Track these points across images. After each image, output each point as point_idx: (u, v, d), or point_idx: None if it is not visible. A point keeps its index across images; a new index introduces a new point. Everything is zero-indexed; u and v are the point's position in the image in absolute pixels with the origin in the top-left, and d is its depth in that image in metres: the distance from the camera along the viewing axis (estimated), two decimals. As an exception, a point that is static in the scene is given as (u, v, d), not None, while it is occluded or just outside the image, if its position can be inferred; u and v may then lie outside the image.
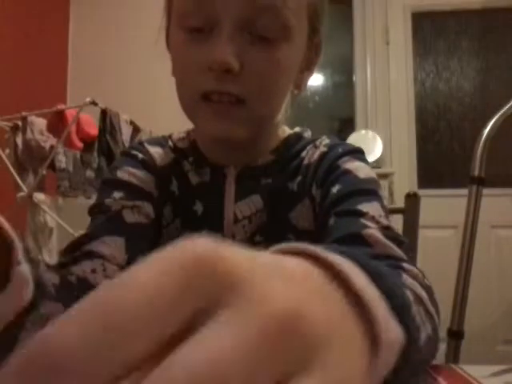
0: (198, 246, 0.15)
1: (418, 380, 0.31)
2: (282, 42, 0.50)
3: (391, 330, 0.20)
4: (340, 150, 0.58)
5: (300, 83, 0.59)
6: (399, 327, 0.22)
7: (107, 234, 0.52)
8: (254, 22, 0.48)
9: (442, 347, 1.10)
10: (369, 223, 0.48)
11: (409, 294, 0.28)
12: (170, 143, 0.63)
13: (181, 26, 0.51)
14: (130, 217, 0.54)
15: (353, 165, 0.56)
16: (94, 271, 0.48)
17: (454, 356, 1.14)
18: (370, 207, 0.50)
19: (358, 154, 0.59)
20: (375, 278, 0.21)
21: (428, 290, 0.38)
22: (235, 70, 0.48)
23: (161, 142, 0.63)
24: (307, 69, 0.59)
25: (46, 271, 0.40)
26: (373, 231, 0.47)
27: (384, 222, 0.49)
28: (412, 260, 0.46)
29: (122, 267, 0.50)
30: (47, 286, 0.39)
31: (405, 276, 0.35)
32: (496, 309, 2.45)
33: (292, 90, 0.58)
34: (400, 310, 0.22)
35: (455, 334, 1.14)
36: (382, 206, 0.52)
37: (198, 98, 0.50)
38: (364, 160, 0.58)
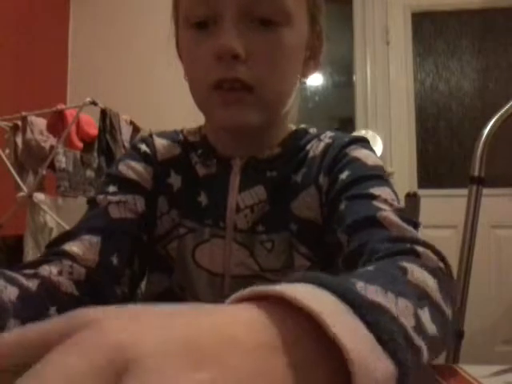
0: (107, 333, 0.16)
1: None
2: (282, 27, 0.52)
3: (375, 370, 0.21)
4: (346, 139, 0.60)
5: (306, 72, 0.60)
6: (389, 363, 0.22)
7: (87, 232, 0.54)
8: (255, 10, 0.50)
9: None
10: (382, 205, 0.49)
11: (405, 309, 0.28)
12: (181, 136, 0.65)
13: (187, 24, 0.53)
14: (115, 212, 0.57)
15: (361, 153, 0.57)
16: (60, 273, 0.50)
17: (454, 356, 1.14)
18: (382, 191, 0.51)
19: (365, 142, 0.60)
20: (363, 311, 0.22)
21: (440, 274, 0.37)
22: (241, 56, 0.50)
23: (172, 135, 0.65)
24: (313, 58, 0.60)
25: (5, 287, 0.43)
26: (387, 213, 0.47)
27: (396, 204, 0.50)
28: None
29: (91, 269, 0.52)
30: (5, 304, 0.42)
31: (411, 269, 0.34)
32: (496, 309, 2.44)
33: (299, 78, 0.59)
34: (392, 343, 0.23)
35: (455, 334, 1.14)
36: (393, 191, 0.52)
37: (209, 89, 0.52)
38: (371, 149, 0.60)
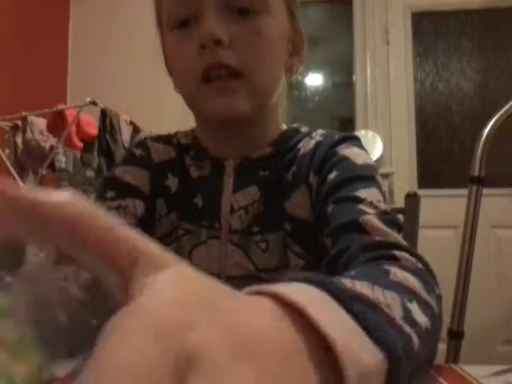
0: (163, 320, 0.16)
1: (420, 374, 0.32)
2: (261, 15, 0.54)
3: (363, 360, 0.21)
4: (336, 136, 0.60)
5: (291, 66, 0.62)
6: (378, 352, 0.22)
7: None
8: (233, 1, 0.52)
9: (442, 347, 1.10)
10: (366, 209, 0.49)
11: (392, 301, 0.28)
12: (175, 140, 0.65)
13: (170, 25, 0.55)
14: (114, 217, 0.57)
15: (350, 151, 0.57)
16: (65, 278, 0.50)
17: (454, 356, 1.14)
18: (368, 193, 0.51)
19: (355, 140, 0.60)
20: (348, 303, 0.23)
21: (422, 274, 0.39)
22: (224, 42, 0.51)
23: (166, 138, 0.66)
24: (296, 54, 0.62)
25: None
26: (370, 217, 0.48)
27: (382, 206, 0.50)
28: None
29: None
30: None
31: (394, 270, 0.35)
32: (496, 309, 2.44)
33: (286, 73, 0.61)
34: (379, 332, 0.23)
35: (455, 334, 1.14)
36: (380, 191, 0.52)
37: (198, 82, 0.53)
38: (361, 146, 0.59)
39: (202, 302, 0.18)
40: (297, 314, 0.20)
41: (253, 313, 0.19)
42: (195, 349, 0.15)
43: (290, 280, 0.24)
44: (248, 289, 0.22)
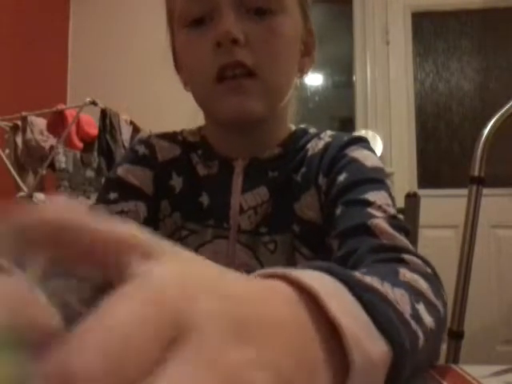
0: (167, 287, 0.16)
1: (420, 375, 0.32)
2: (278, 15, 0.53)
3: (370, 350, 0.21)
4: (345, 138, 0.59)
5: (302, 67, 0.61)
6: (384, 343, 0.22)
7: None
8: (250, 1, 0.52)
9: (442, 347, 1.10)
10: (375, 212, 0.49)
11: (401, 297, 0.29)
12: (180, 138, 0.64)
13: (183, 24, 0.54)
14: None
15: (360, 153, 0.57)
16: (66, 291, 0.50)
17: (454, 356, 1.13)
18: (377, 196, 0.51)
19: (364, 142, 0.60)
20: (357, 291, 0.23)
21: (430, 277, 0.39)
22: (241, 41, 0.50)
23: (171, 136, 0.65)
24: (307, 55, 0.61)
25: None
26: (379, 221, 0.47)
27: (391, 210, 0.50)
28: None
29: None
30: None
31: (403, 271, 0.36)
32: (496, 309, 2.44)
33: (297, 73, 0.60)
34: (387, 324, 0.23)
35: (455, 334, 1.14)
36: (389, 195, 0.52)
37: (212, 81, 0.52)
38: (370, 149, 0.59)
39: (205, 283, 0.18)
40: (309, 299, 0.20)
41: (262, 295, 0.19)
42: (192, 317, 0.15)
43: (302, 267, 0.24)
44: (259, 271, 0.22)
